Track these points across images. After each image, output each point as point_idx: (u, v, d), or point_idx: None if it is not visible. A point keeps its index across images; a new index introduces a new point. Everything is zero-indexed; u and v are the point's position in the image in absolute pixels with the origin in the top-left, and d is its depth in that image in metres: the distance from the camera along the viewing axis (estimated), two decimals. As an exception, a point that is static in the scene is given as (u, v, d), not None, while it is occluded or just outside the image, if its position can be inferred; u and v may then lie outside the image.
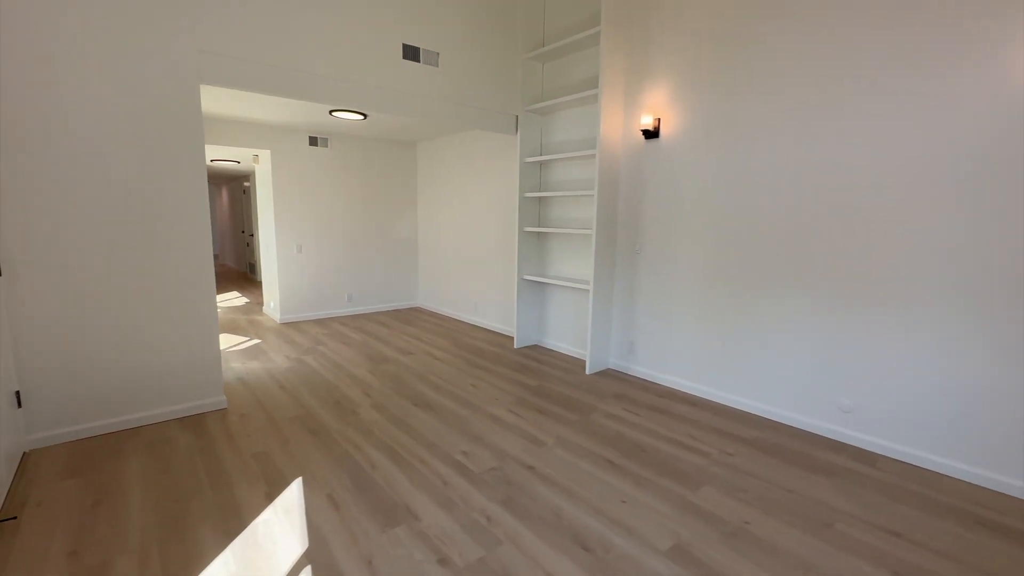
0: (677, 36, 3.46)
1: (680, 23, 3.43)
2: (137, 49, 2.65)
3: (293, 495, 2.23)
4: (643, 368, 3.93)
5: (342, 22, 3.36)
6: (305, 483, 2.33)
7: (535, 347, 4.83)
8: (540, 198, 4.69)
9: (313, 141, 5.67)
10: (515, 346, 4.80)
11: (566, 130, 4.39)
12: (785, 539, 1.97)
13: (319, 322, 5.79)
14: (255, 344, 4.80)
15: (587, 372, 4.04)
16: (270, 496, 2.22)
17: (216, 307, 3.09)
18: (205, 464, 2.49)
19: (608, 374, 4.03)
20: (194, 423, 2.96)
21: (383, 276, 6.49)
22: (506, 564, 1.80)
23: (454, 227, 6.01)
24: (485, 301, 5.64)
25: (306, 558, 1.82)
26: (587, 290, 4.01)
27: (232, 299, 7.37)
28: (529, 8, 4.35)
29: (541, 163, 4.62)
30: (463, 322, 5.94)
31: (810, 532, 2.02)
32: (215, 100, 4.11)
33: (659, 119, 3.62)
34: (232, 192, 10.99)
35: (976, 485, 2.39)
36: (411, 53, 3.72)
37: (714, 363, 3.44)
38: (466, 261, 5.87)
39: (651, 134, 3.63)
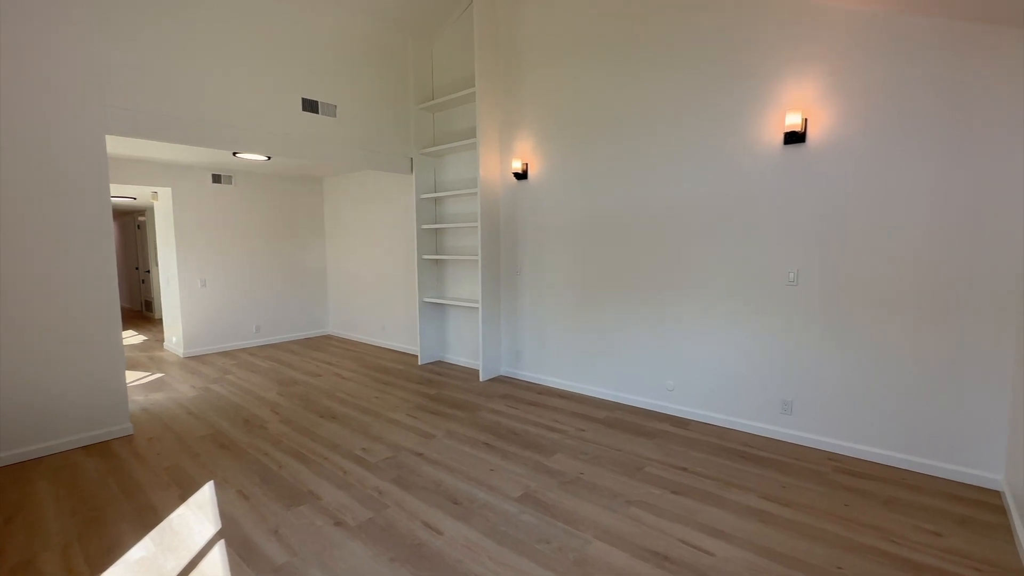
0: (535, 101, 4.27)
1: (536, 92, 4.25)
2: (46, 101, 2.91)
3: (206, 494, 2.56)
4: (528, 372, 4.60)
5: (245, 79, 3.79)
6: (217, 484, 2.66)
7: (438, 362, 5.35)
8: (436, 229, 5.29)
9: (217, 179, 5.87)
10: (420, 363, 5.28)
11: (456, 170, 5.06)
12: (606, 481, 2.65)
13: (226, 354, 5.88)
14: (158, 378, 4.86)
15: (481, 379, 4.62)
16: (183, 497, 2.53)
17: (121, 338, 3.30)
18: (117, 480, 2.72)
19: (500, 380, 4.65)
20: (100, 449, 3.12)
21: (292, 306, 6.70)
22: (391, 519, 2.30)
23: (361, 257, 6.42)
24: (392, 324, 6.08)
25: (219, 535, 2.19)
26: (476, 307, 4.63)
27: (128, 338, 7.12)
28: (419, 66, 5.03)
29: (435, 199, 5.24)
30: (372, 345, 6.31)
31: (625, 475, 2.72)
32: (115, 141, 4.29)
33: (527, 163, 4.39)
34: (125, 227, 10.46)
35: (749, 432, 3.26)
36: (310, 106, 4.21)
37: (580, 362, 4.18)
38: (373, 288, 6.29)
39: (521, 176, 4.39)
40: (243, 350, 6.07)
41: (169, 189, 5.55)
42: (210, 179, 5.83)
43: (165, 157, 5.03)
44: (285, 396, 4.22)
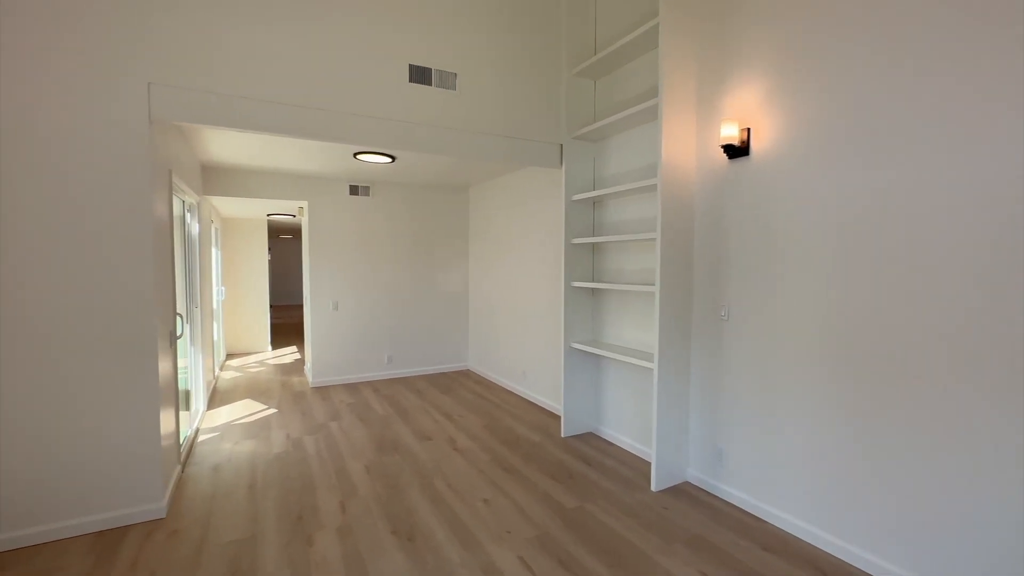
0: (767, 20, 2.40)
1: (767, 5, 2.39)
2: (68, 76, 2.23)
3: None
4: (737, 490, 2.65)
5: (333, 42, 2.80)
6: None
7: (588, 436, 3.70)
8: (593, 244, 3.70)
9: (354, 190, 5.28)
10: (562, 434, 3.71)
11: (624, 157, 3.42)
12: None
13: (350, 387, 5.17)
14: (268, 415, 4.24)
15: (653, 487, 2.83)
16: None
17: (158, 385, 2.48)
18: (61, 628, 1.76)
19: (684, 493, 2.79)
20: (109, 542, 2.29)
21: (429, 335, 5.80)
22: None
23: (504, 280, 5.18)
24: (535, 369, 4.65)
25: None
26: (650, 367, 2.89)
27: (285, 355, 7.14)
28: (575, 13, 3.55)
29: (594, 200, 3.66)
30: (511, 392, 4.97)
31: None
32: (239, 150, 3.80)
33: (748, 129, 2.52)
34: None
35: None
36: (420, 75, 3.06)
37: (848, 495, 2.10)
38: (515, 320, 4.97)
39: (737, 150, 2.54)
40: (370, 383, 5.30)
41: (305, 203, 5.10)
42: (347, 191, 5.25)
43: (294, 166, 4.50)
44: (372, 473, 3.06)
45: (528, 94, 3.47)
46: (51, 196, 2.22)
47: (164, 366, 2.62)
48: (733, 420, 2.67)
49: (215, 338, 5.54)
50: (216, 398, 4.78)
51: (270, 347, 7.53)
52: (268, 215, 6.57)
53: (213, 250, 5.58)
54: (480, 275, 5.71)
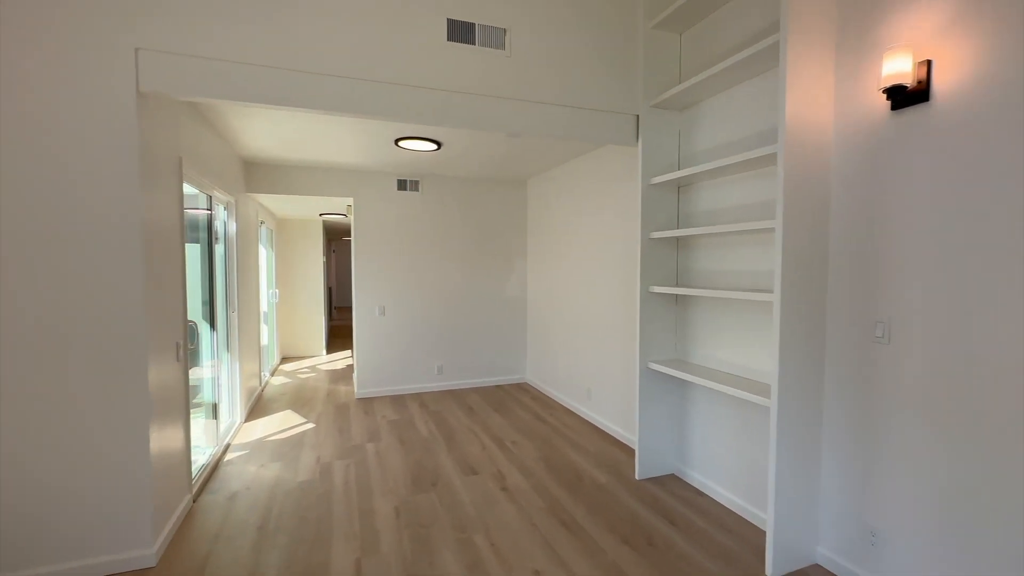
0: None
1: None
2: (43, 41, 1.87)
3: None
4: (904, 590, 1.81)
5: (353, -6, 2.30)
6: None
7: (669, 481, 2.94)
8: (678, 239, 2.95)
9: (402, 185, 4.85)
10: (636, 475, 2.99)
11: (723, 126, 2.65)
12: None
13: (396, 399, 4.73)
14: (305, 431, 3.87)
15: (770, 571, 2.05)
16: None
17: (148, 408, 2.08)
18: None
19: (816, 584, 1.99)
20: (83, 599, 1.91)
21: (484, 344, 5.25)
22: None
23: (567, 284, 4.51)
24: (601, 388, 3.94)
25: None
26: (763, 404, 2.11)
27: (339, 359, 6.90)
28: (656, -47, 2.83)
29: (679, 184, 2.91)
30: (572, 412, 4.29)
31: None
32: (274, 137, 3.46)
33: (928, 61, 1.70)
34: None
35: None
36: (461, 32, 2.49)
37: None
38: (580, 330, 4.28)
39: (908, 96, 1.73)
40: (417, 396, 4.84)
41: (351, 199, 4.73)
42: (395, 186, 4.83)
43: (341, 160, 4.13)
44: (402, 517, 2.53)
45: (595, 54, 2.80)
46: (12, 186, 1.87)
47: (164, 382, 2.24)
48: (897, 490, 1.84)
49: (263, 342, 5.33)
50: (259, 407, 4.52)
51: (325, 351, 7.35)
52: (321, 215, 6.35)
53: (262, 251, 5.38)
54: (540, 278, 5.08)
